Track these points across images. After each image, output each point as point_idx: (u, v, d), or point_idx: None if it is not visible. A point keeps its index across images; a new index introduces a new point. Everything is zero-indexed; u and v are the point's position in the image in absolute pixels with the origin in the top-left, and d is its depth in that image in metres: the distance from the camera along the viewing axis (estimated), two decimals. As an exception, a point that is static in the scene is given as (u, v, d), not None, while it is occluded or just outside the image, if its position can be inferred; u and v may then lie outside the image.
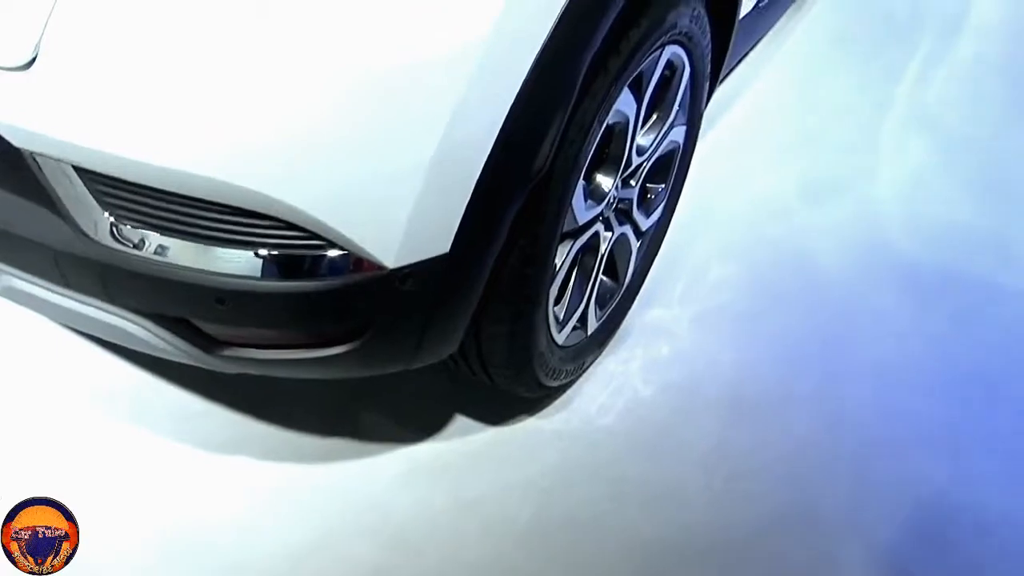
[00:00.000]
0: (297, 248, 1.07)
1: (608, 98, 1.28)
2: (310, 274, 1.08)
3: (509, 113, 1.08)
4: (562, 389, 1.72)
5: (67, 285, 1.16)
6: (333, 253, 1.08)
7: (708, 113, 2.45)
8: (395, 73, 1.01)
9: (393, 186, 1.05)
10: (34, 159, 1.07)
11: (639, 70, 1.38)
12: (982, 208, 2.30)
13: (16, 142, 1.05)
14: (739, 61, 2.25)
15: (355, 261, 1.08)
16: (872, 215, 2.24)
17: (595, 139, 1.31)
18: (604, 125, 1.33)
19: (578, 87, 1.16)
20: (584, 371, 1.74)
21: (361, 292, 1.11)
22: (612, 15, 1.16)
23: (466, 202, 1.10)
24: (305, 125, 1.01)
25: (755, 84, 2.59)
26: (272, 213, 1.03)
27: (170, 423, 1.63)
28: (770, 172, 2.31)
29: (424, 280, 1.14)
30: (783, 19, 2.84)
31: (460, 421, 1.68)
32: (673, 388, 1.78)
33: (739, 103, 2.51)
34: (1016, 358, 1.92)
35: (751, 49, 2.31)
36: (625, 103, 1.38)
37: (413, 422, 1.67)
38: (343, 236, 1.05)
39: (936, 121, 2.58)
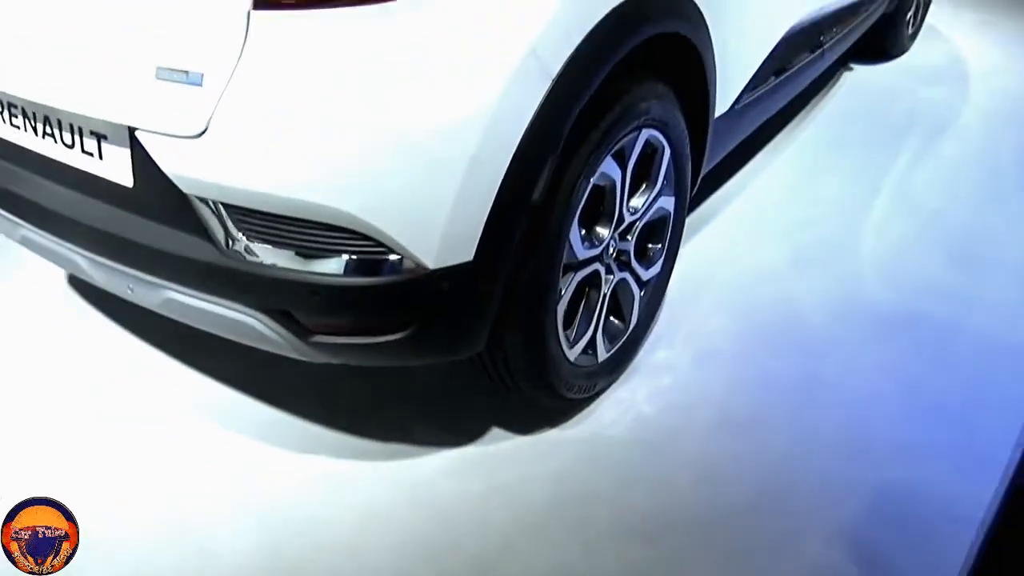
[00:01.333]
0: (367, 254, 1.55)
1: (592, 161, 1.76)
2: (375, 272, 1.56)
3: (513, 158, 1.56)
4: (579, 405, 2.13)
5: (206, 291, 1.65)
6: (391, 257, 1.55)
7: (713, 203, 2.93)
8: (433, 130, 1.50)
9: (431, 206, 1.53)
10: (193, 199, 1.58)
11: (620, 145, 1.86)
12: (954, 271, 2.68)
13: (184, 189, 1.58)
14: (733, 152, 2.70)
15: (407, 264, 1.55)
16: (852, 278, 2.64)
17: (584, 190, 1.78)
18: (591, 183, 1.80)
19: (561, 146, 1.64)
20: (597, 390, 2.14)
21: (409, 288, 1.57)
22: (583, 101, 1.65)
23: (484, 222, 1.57)
24: (377, 170, 1.50)
25: (757, 181, 3.06)
26: (351, 227, 1.51)
27: (210, 426, 1.97)
28: (766, 247, 2.75)
29: (455, 282, 1.60)
30: (789, 127, 3.35)
31: (495, 430, 2.10)
32: (672, 409, 2.17)
33: (742, 197, 2.97)
34: (974, 386, 2.25)
35: (743, 142, 2.76)
36: (610, 168, 1.85)
37: (457, 430, 2.09)
38: (397, 243, 1.52)
39: (917, 205, 3.00)
